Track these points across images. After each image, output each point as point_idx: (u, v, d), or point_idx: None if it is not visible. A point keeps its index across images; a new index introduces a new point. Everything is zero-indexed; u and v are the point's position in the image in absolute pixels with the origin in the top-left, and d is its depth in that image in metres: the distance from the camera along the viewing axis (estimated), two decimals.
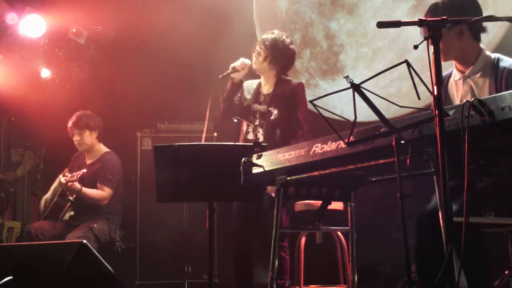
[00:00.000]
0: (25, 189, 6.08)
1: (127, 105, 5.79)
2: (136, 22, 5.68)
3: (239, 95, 4.14)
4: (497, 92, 2.62)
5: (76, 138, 5.02)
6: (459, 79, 2.83)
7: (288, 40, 4.05)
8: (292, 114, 3.94)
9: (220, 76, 3.99)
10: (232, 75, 4.02)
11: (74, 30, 5.60)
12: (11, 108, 5.76)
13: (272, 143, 3.72)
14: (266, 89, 4.09)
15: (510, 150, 2.22)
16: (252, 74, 4.18)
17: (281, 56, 3.99)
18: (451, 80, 2.90)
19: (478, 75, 2.76)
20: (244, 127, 4.07)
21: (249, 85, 4.15)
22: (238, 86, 4.08)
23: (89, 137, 5.04)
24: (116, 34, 5.78)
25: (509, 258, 2.82)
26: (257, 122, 4.02)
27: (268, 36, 4.03)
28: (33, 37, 5.47)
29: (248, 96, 4.11)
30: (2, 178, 5.75)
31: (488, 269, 2.66)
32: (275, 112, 3.94)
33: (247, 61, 4.02)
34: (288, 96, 3.96)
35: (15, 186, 5.96)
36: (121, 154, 5.21)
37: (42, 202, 5.10)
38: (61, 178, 4.70)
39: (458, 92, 2.84)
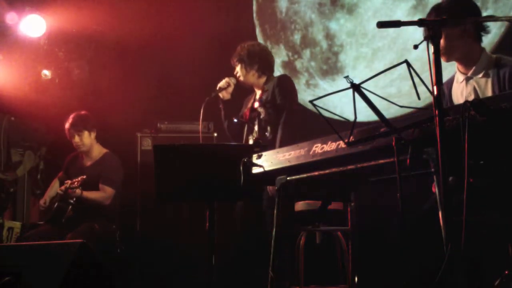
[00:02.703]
0: (25, 189, 6.07)
1: (127, 105, 5.79)
2: (136, 22, 5.68)
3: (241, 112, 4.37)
4: (500, 92, 2.63)
5: (75, 140, 4.97)
6: (462, 81, 2.83)
7: (250, 42, 4.32)
8: (277, 105, 4.07)
9: (207, 98, 4.15)
10: (220, 94, 4.24)
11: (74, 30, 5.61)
12: (11, 108, 5.76)
13: (265, 140, 3.94)
14: (258, 94, 4.27)
15: (510, 150, 2.22)
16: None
17: (252, 57, 4.19)
18: (454, 84, 2.91)
19: (480, 75, 2.77)
20: (244, 136, 4.26)
21: (248, 100, 4.40)
22: (229, 102, 4.30)
23: (88, 138, 5.01)
24: (117, 34, 5.78)
25: (509, 258, 2.82)
26: (256, 128, 4.16)
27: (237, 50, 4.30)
28: (33, 37, 5.47)
29: (246, 109, 4.32)
30: (2, 178, 5.74)
31: (487, 269, 2.66)
32: (263, 111, 4.09)
33: (230, 78, 4.24)
34: (272, 92, 4.12)
35: (15, 186, 5.95)
36: (121, 154, 5.20)
37: (44, 200, 5.05)
38: (61, 188, 4.71)
39: (462, 94, 2.84)
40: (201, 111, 4.07)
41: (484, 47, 2.82)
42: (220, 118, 4.43)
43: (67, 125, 5.00)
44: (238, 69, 4.24)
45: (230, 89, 4.25)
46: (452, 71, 2.99)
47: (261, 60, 4.21)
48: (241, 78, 4.24)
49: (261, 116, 4.10)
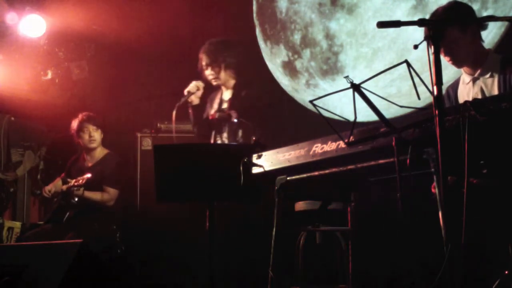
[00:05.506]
0: (25, 189, 6.08)
1: (127, 105, 5.79)
2: (136, 22, 5.68)
3: (205, 111, 4.31)
4: (505, 90, 2.65)
5: (91, 134, 4.96)
6: (469, 82, 2.84)
7: (216, 43, 4.27)
8: (251, 108, 4.04)
9: (177, 104, 4.11)
10: (189, 100, 4.17)
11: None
12: (11, 108, 5.76)
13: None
14: (227, 95, 4.26)
15: (509, 150, 2.22)
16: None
17: (217, 55, 4.17)
18: (460, 85, 2.91)
19: (487, 75, 2.78)
20: (212, 137, 4.22)
21: (213, 98, 4.34)
22: (198, 107, 4.24)
23: (100, 136, 5.04)
24: (117, 34, 5.78)
25: (509, 258, 2.82)
26: (226, 129, 4.13)
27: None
28: (33, 37, 5.47)
29: (212, 109, 4.28)
30: (2, 178, 5.75)
31: (487, 269, 2.67)
32: (234, 114, 4.05)
33: (198, 82, 4.19)
34: (245, 95, 4.11)
35: (15, 186, 5.96)
36: (121, 154, 5.20)
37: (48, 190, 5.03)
38: (63, 186, 4.72)
39: (468, 95, 2.85)
40: (173, 117, 4.02)
41: (490, 48, 2.84)
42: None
43: (82, 118, 4.97)
44: (209, 71, 4.21)
45: (200, 93, 4.21)
46: (452, 71, 2.99)
47: (229, 60, 4.18)
48: (214, 81, 4.21)
49: (232, 119, 4.07)
